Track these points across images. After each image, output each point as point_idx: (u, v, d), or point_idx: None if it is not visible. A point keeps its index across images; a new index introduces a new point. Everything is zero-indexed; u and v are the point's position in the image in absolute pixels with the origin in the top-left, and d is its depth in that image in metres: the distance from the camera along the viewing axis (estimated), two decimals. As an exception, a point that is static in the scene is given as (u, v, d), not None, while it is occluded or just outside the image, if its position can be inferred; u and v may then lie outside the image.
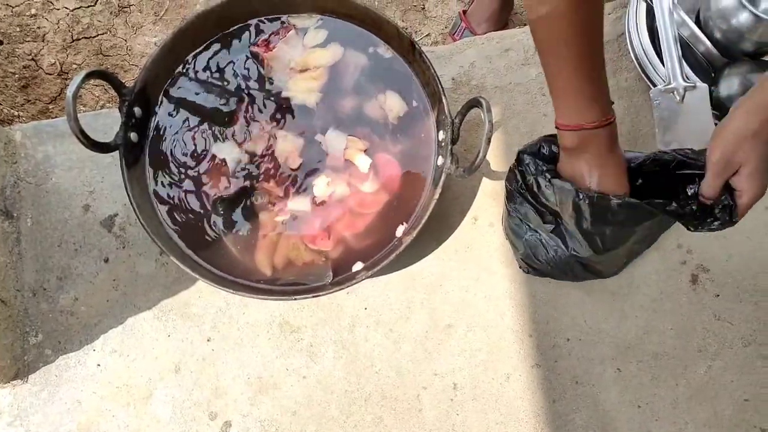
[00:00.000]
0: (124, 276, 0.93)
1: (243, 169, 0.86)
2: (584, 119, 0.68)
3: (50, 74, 1.34)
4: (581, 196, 0.71)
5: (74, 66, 1.36)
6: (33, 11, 1.37)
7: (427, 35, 1.47)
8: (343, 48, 0.88)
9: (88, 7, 1.41)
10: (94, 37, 1.39)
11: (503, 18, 1.40)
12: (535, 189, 0.76)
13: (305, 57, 0.89)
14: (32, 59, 1.34)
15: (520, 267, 0.93)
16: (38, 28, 1.37)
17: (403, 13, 1.48)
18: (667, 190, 0.75)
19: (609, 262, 0.89)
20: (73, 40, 1.38)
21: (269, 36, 0.89)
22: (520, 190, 0.80)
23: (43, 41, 1.36)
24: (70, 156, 0.98)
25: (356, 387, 0.91)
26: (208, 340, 0.92)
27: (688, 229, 0.74)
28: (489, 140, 0.75)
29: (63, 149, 0.98)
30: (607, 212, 0.73)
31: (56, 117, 1.32)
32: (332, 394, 0.91)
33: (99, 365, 0.91)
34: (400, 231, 0.85)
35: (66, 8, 1.40)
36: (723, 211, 0.71)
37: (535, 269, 0.90)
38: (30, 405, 0.89)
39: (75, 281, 0.93)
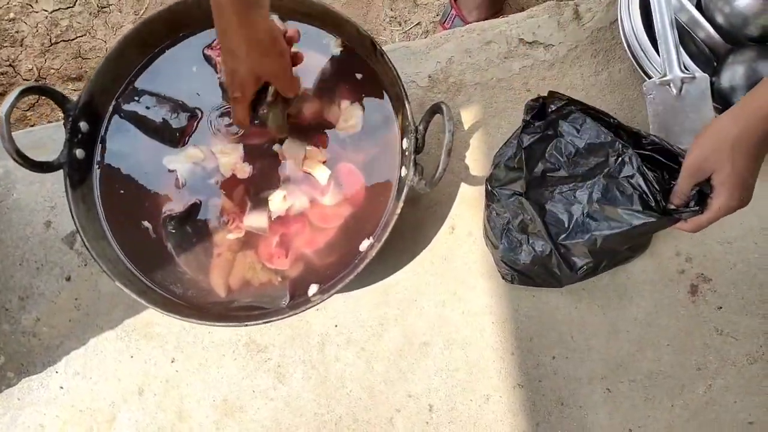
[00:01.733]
0: (87, 295, 0.90)
1: (195, 184, 0.81)
2: None
3: (27, 80, 1.32)
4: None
5: (52, 71, 1.33)
6: (11, 15, 1.34)
7: (417, 24, 1.39)
8: (305, 51, 0.82)
9: (67, 8, 1.37)
10: (73, 39, 1.36)
11: (496, 5, 1.31)
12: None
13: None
14: (10, 65, 1.31)
15: (503, 276, 0.86)
16: (16, 32, 1.34)
17: (392, 2, 1.40)
18: None
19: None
20: (52, 44, 1.34)
21: None
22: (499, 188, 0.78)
23: (21, 46, 1.33)
24: (30, 170, 0.94)
25: (326, 409, 0.86)
26: (172, 361, 0.88)
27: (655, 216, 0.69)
28: (449, 152, 0.68)
29: (24, 163, 0.94)
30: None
31: (34, 125, 1.29)
32: (301, 417, 0.86)
33: (62, 388, 0.88)
34: (364, 246, 0.79)
35: (45, 11, 1.37)
36: (696, 199, 0.67)
37: (518, 272, 0.82)
38: (-7, 430, 0.87)
39: (37, 301, 0.90)
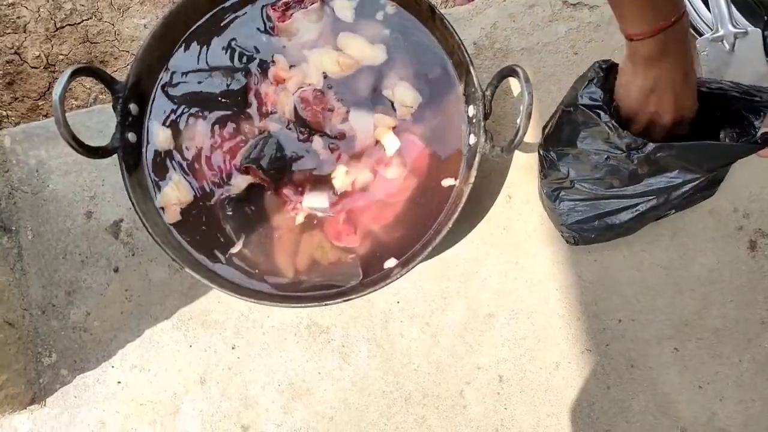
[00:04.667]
0: (137, 285, 0.87)
1: (255, 161, 0.77)
2: (662, 17, 0.59)
3: (36, 68, 1.25)
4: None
5: (60, 57, 1.27)
6: (10, 0, 1.27)
7: (435, -7, 1.36)
8: (386, 48, 0.79)
9: (70, -10, 1.31)
10: (79, 23, 1.29)
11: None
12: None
13: (347, 40, 0.79)
14: (15, 53, 1.25)
15: (566, 240, 0.84)
16: (18, 18, 1.27)
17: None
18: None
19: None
20: (57, 29, 1.28)
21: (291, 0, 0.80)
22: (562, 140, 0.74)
23: (24, 32, 1.27)
24: (65, 159, 0.90)
25: (395, 387, 0.85)
26: (232, 348, 0.85)
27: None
28: (530, 114, 0.66)
29: (57, 152, 0.90)
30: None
31: (47, 114, 1.23)
32: (370, 396, 0.85)
33: (119, 382, 0.85)
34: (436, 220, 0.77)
35: (46, -6, 1.30)
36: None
37: (583, 232, 0.80)
38: (51, 430, 0.84)
39: (85, 294, 0.87)
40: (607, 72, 0.72)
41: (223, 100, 0.77)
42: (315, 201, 0.77)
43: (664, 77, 0.64)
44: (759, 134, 0.65)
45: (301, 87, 0.79)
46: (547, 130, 0.79)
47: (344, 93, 0.79)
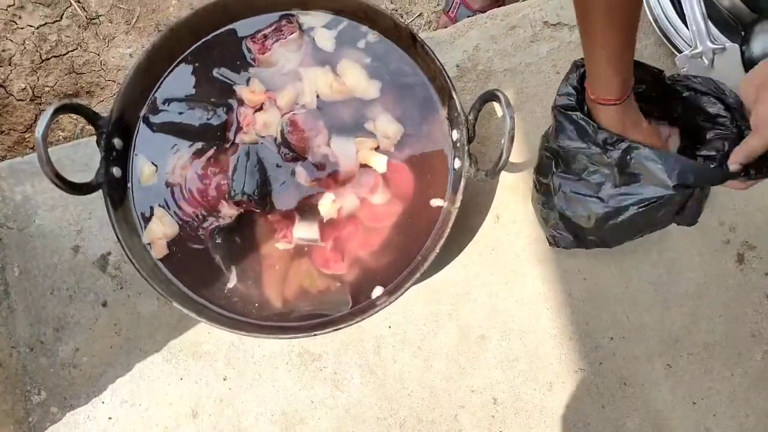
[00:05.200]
0: (126, 319, 0.86)
1: (244, 187, 0.77)
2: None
3: (22, 100, 1.25)
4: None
5: (47, 88, 1.27)
6: (-5, 34, 1.27)
7: (419, 15, 1.37)
8: (380, 86, 0.80)
9: (54, 22, 1.31)
10: (65, 54, 1.30)
11: (501, -11, 1.30)
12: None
13: (347, 68, 0.80)
14: (1, 86, 1.25)
15: (549, 243, 0.84)
16: (3, 50, 1.27)
17: (391, -6, 1.38)
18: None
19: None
20: (42, 61, 1.28)
21: (269, 31, 0.80)
22: (554, 148, 0.75)
23: (10, 65, 1.27)
24: (51, 194, 0.90)
25: (389, 413, 0.84)
26: (224, 379, 0.85)
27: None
28: (512, 138, 0.67)
29: (43, 187, 0.90)
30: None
31: (33, 147, 1.23)
32: (364, 423, 0.84)
33: (110, 418, 0.84)
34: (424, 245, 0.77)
35: (30, 26, 1.30)
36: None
37: (575, 236, 0.80)
38: (41, 469, 0.83)
39: (73, 330, 0.86)
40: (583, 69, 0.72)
41: (204, 133, 0.77)
42: (305, 232, 0.77)
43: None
44: (729, 165, 0.65)
45: (293, 110, 0.79)
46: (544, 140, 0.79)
47: (327, 118, 0.79)
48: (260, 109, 0.78)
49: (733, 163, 0.65)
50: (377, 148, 0.78)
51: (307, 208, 0.77)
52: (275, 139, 0.78)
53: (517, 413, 0.84)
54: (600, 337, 0.85)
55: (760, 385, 0.84)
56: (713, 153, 0.69)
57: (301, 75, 0.80)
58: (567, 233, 0.79)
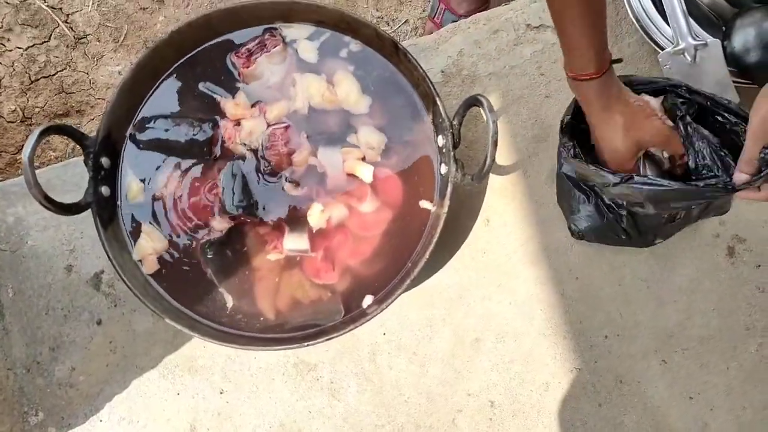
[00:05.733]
0: (121, 336, 0.86)
1: (234, 198, 0.78)
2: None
3: (12, 122, 1.26)
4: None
5: (37, 109, 1.28)
6: (-16, 57, 1.28)
7: (405, 22, 1.38)
8: (370, 102, 0.81)
9: (43, 43, 1.32)
10: (54, 75, 1.30)
11: (485, -7, 1.31)
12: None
13: (342, 78, 0.81)
14: (-9, 109, 1.25)
15: (572, 234, 0.85)
16: (-8, 74, 1.28)
17: (376, 2, 1.38)
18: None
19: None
20: (32, 82, 1.29)
21: (253, 45, 0.81)
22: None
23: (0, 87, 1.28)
24: (43, 215, 0.90)
25: (386, 420, 0.84)
26: (221, 393, 0.85)
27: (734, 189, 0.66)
28: (495, 143, 0.67)
29: (35, 208, 0.90)
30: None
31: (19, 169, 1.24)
32: (362, 431, 0.84)
33: (109, 436, 0.84)
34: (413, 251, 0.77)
35: (19, 48, 1.31)
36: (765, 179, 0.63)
37: (601, 234, 0.82)
38: (41, 490, 0.83)
39: (69, 350, 0.86)
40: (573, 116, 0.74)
41: (190, 149, 0.78)
42: (295, 243, 0.77)
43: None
44: (734, 180, 0.65)
45: (277, 123, 0.79)
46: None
47: (313, 126, 0.79)
48: (238, 124, 0.79)
49: (740, 174, 0.64)
50: (363, 159, 0.79)
51: (296, 220, 0.78)
52: (256, 151, 0.79)
53: (514, 415, 0.84)
54: (594, 335, 0.86)
55: (755, 377, 0.84)
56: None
57: (296, 80, 0.81)
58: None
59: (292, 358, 0.86)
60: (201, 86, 0.81)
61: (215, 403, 0.85)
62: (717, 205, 0.81)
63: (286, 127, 0.79)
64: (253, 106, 0.80)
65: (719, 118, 0.71)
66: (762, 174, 0.62)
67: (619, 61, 0.69)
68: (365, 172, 0.78)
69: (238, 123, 0.79)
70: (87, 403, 0.85)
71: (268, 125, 0.79)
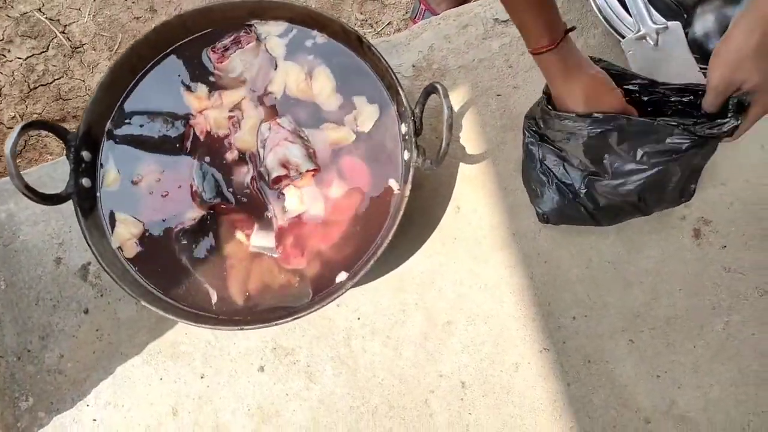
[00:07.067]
0: (107, 324, 0.90)
1: (204, 193, 0.81)
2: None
3: (11, 128, 1.31)
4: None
5: (35, 116, 1.33)
6: (-14, 67, 1.34)
7: (388, 24, 1.42)
8: (340, 101, 0.85)
9: (41, 53, 1.38)
10: (51, 83, 1.36)
11: (463, -7, 1.34)
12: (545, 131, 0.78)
13: (320, 73, 0.85)
14: (-9, 116, 1.31)
15: (540, 220, 0.88)
16: (-7, 83, 1.34)
17: (360, 5, 1.43)
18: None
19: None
20: (30, 90, 1.35)
21: (228, 41, 0.85)
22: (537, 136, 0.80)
23: (0, 96, 1.33)
24: (33, 210, 0.95)
25: (361, 401, 0.87)
26: (201, 377, 0.88)
27: (697, 135, 0.70)
28: (450, 127, 0.70)
29: (25, 204, 0.95)
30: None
31: (23, 171, 1.29)
32: (338, 412, 0.87)
33: (95, 420, 0.88)
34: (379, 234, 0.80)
35: (19, 58, 1.37)
36: (732, 124, 0.68)
37: (556, 211, 0.84)
38: (31, 472, 0.87)
39: (58, 338, 0.90)
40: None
41: (163, 144, 0.82)
42: (262, 240, 0.81)
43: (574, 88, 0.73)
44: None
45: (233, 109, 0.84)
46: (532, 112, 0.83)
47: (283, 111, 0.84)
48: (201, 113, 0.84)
49: (709, 105, 0.71)
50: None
51: (265, 217, 0.81)
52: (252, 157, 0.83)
53: (485, 395, 0.86)
54: (563, 317, 0.88)
55: (722, 355, 0.85)
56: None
57: (279, 66, 0.85)
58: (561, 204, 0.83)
59: (270, 343, 0.89)
60: (175, 82, 0.85)
61: (196, 387, 0.88)
62: (675, 182, 0.81)
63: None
64: (210, 95, 0.84)
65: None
66: (730, 117, 0.68)
67: (572, 29, 0.70)
68: (352, 132, 0.83)
69: (200, 110, 0.83)
70: (75, 388, 0.89)
71: (231, 112, 0.83)
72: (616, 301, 0.88)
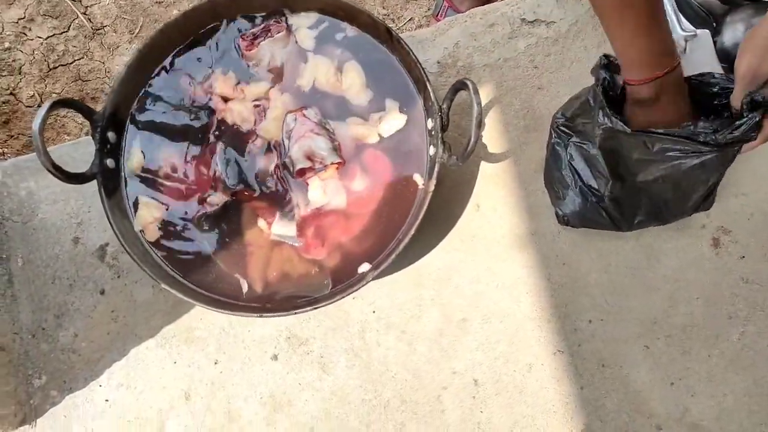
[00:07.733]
0: (123, 306, 0.90)
1: (227, 179, 0.81)
2: (657, 68, 0.65)
3: (30, 107, 1.32)
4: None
5: (54, 95, 1.33)
6: (6, 44, 1.34)
7: (410, 20, 1.42)
8: (371, 97, 0.85)
9: (62, 33, 1.38)
10: (71, 63, 1.36)
11: (487, -8, 1.34)
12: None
13: (351, 68, 0.85)
14: (11, 93, 1.31)
15: (559, 220, 0.87)
16: (13, 61, 1.34)
17: (383, 0, 1.42)
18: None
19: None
20: (50, 69, 1.35)
21: (258, 30, 0.85)
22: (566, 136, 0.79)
23: (20, 74, 1.33)
24: (53, 189, 0.95)
25: (373, 395, 0.87)
26: (215, 363, 0.88)
27: (711, 144, 0.68)
28: (479, 124, 0.70)
29: (46, 183, 0.95)
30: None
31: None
32: (349, 404, 0.87)
33: (107, 401, 0.88)
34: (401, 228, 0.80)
35: (39, 37, 1.37)
36: (748, 125, 0.65)
37: (586, 218, 0.83)
38: (41, 450, 0.87)
39: (73, 317, 0.90)
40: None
41: (187, 130, 0.83)
42: (283, 229, 0.81)
43: (658, 119, 0.69)
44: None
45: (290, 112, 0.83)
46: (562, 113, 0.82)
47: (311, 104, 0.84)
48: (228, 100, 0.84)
49: (735, 99, 0.67)
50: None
51: (287, 205, 0.81)
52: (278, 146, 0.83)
53: (497, 393, 0.86)
54: (579, 320, 0.88)
55: (737, 365, 0.85)
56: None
57: (308, 58, 0.85)
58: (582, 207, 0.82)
59: (285, 332, 0.89)
60: (203, 68, 0.85)
61: (209, 373, 0.88)
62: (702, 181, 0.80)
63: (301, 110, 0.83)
64: (236, 86, 0.84)
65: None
66: (745, 119, 0.65)
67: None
68: (386, 128, 0.83)
69: (226, 98, 0.83)
70: (88, 368, 0.89)
71: (256, 105, 0.83)
72: (633, 307, 0.88)
